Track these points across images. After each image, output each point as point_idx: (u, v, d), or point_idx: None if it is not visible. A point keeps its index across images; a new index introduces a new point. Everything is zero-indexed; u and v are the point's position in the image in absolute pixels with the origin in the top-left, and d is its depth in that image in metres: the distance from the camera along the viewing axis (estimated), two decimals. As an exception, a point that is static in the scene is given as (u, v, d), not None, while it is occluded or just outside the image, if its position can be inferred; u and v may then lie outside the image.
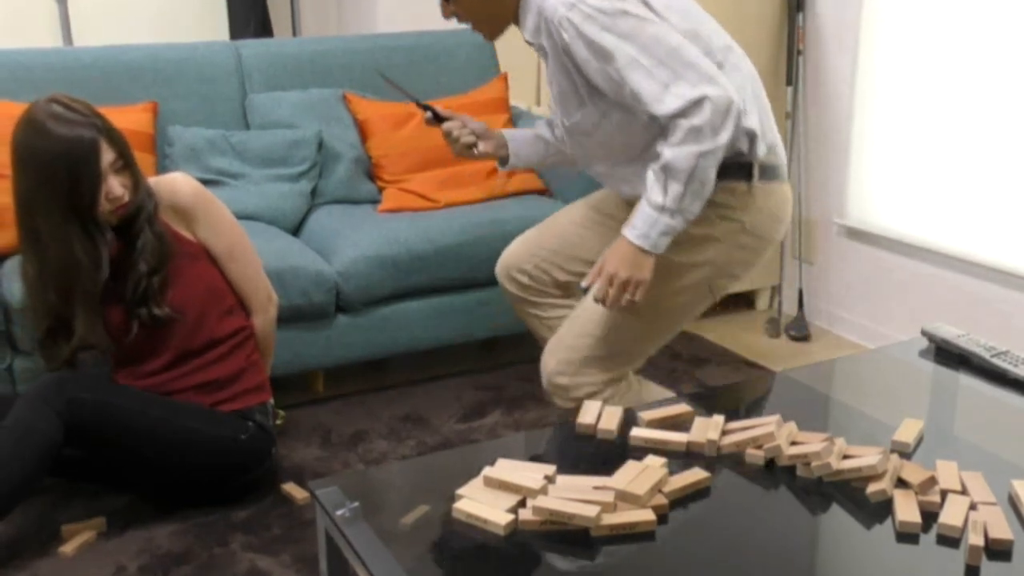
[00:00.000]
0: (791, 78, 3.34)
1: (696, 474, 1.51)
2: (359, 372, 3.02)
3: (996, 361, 1.89)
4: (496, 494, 1.45)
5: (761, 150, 2.00)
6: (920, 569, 1.34)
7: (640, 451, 1.61)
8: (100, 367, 2.22)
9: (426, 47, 3.42)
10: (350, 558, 1.41)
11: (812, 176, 3.42)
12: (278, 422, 2.58)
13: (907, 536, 1.38)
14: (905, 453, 1.60)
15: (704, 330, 3.42)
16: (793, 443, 1.58)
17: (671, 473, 1.51)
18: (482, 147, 2.26)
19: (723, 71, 1.93)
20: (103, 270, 2.08)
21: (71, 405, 2.01)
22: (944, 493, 1.46)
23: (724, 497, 1.49)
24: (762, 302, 3.64)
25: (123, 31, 4.29)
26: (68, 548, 2.08)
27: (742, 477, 1.54)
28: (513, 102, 3.44)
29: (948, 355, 1.99)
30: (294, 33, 4.80)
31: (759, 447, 1.58)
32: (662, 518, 1.42)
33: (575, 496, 1.42)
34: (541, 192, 3.20)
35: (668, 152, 1.87)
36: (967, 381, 1.90)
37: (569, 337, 2.13)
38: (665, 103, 1.85)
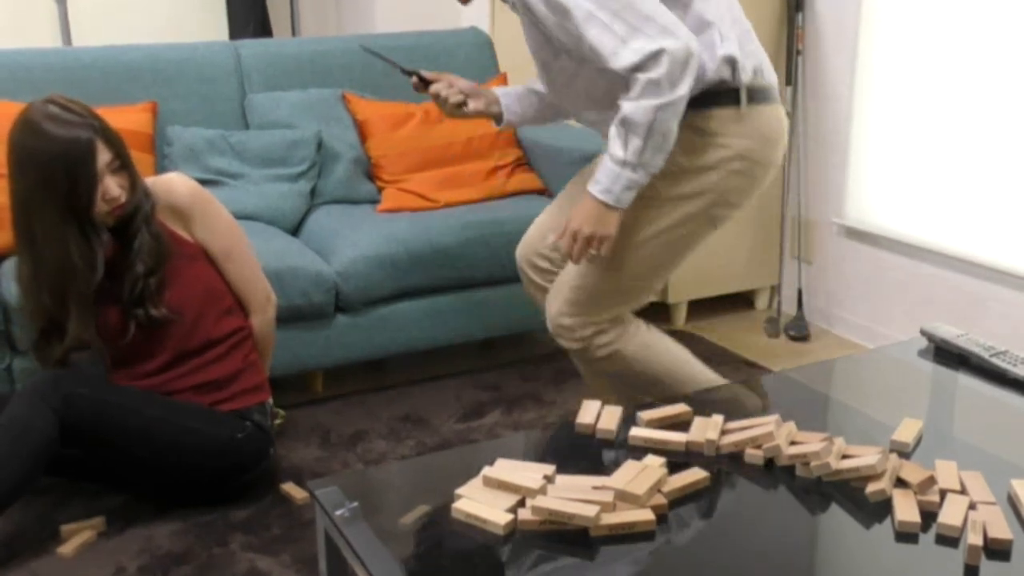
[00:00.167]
0: (790, 78, 3.35)
1: (695, 474, 1.51)
2: (358, 372, 3.02)
3: (995, 361, 1.89)
4: (495, 494, 1.45)
5: (746, 74, 1.99)
6: (919, 569, 1.34)
7: (639, 451, 1.61)
8: (95, 367, 2.22)
9: (426, 47, 3.41)
10: (349, 558, 1.41)
11: (811, 176, 3.42)
12: (278, 421, 2.58)
13: (906, 536, 1.38)
14: (904, 453, 1.60)
15: (703, 330, 3.42)
16: (792, 443, 1.58)
17: (670, 473, 1.51)
18: (472, 105, 2.26)
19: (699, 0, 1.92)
20: (98, 272, 2.08)
21: (67, 402, 2.01)
22: (943, 493, 1.46)
23: (723, 497, 1.49)
24: (761, 302, 3.64)
25: (122, 31, 4.28)
26: (67, 548, 2.08)
27: (741, 477, 1.54)
28: (512, 102, 3.43)
29: (947, 355, 1.99)
30: (293, 33, 4.80)
31: (758, 447, 1.58)
32: (661, 518, 1.42)
33: (574, 496, 1.42)
34: (541, 192, 3.20)
35: (627, 106, 1.88)
36: (966, 381, 1.90)
37: (570, 278, 2.14)
38: (622, 57, 1.86)
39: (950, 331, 2.01)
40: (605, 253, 2.00)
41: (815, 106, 3.37)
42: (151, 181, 2.20)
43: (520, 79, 3.72)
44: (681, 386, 2.23)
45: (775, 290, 3.61)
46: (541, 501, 1.41)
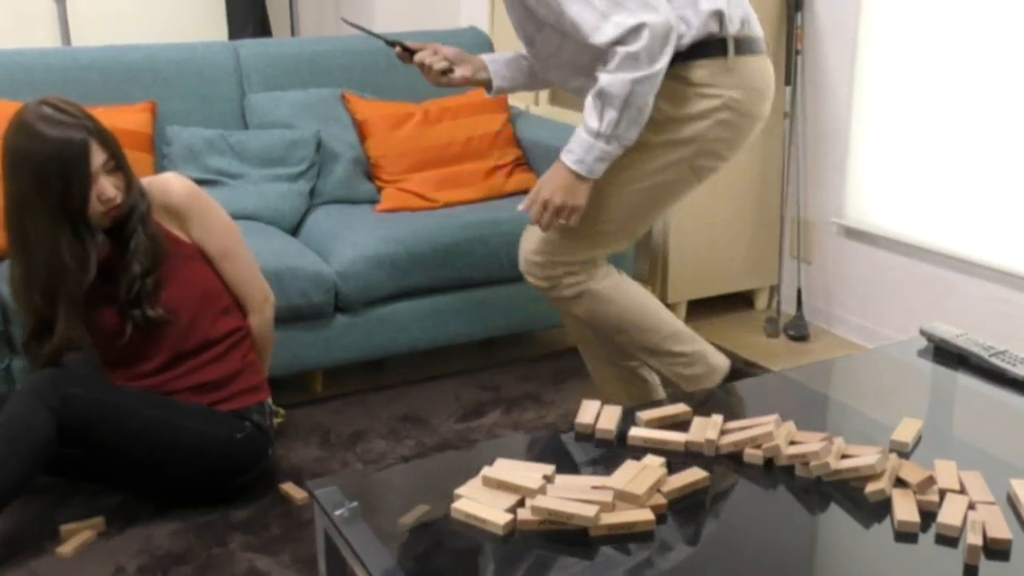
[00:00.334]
0: (789, 78, 3.35)
1: (695, 474, 1.51)
2: (358, 372, 3.02)
3: (995, 360, 1.89)
4: (495, 494, 1.45)
5: (733, 26, 2.01)
6: (919, 568, 1.34)
7: (639, 451, 1.61)
8: (88, 367, 2.22)
9: (425, 47, 3.41)
10: (349, 558, 1.41)
11: (810, 176, 3.42)
12: (278, 420, 2.58)
13: (906, 536, 1.39)
14: (904, 453, 1.60)
15: (703, 330, 3.40)
16: (792, 443, 1.58)
17: (670, 473, 1.51)
18: (459, 72, 2.25)
19: None
20: (89, 273, 2.07)
21: (65, 402, 2.01)
22: (943, 492, 1.46)
23: (723, 497, 1.49)
24: (761, 302, 3.64)
25: (122, 31, 4.28)
26: (67, 548, 2.08)
27: (741, 477, 1.54)
28: (512, 102, 3.44)
29: (947, 354, 1.99)
30: (293, 33, 4.80)
31: (758, 447, 1.58)
32: (661, 518, 1.42)
33: (574, 496, 1.42)
34: (540, 192, 3.19)
35: (604, 78, 1.89)
36: (966, 381, 1.90)
37: None
38: (603, 32, 1.87)
39: (949, 331, 2.01)
40: (574, 224, 2.01)
41: (814, 106, 3.37)
42: (147, 181, 2.19)
43: (519, 79, 3.73)
44: (649, 333, 2.23)
45: (775, 290, 3.61)
46: (540, 501, 1.41)
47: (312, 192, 3.07)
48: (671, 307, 3.43)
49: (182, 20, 4.64)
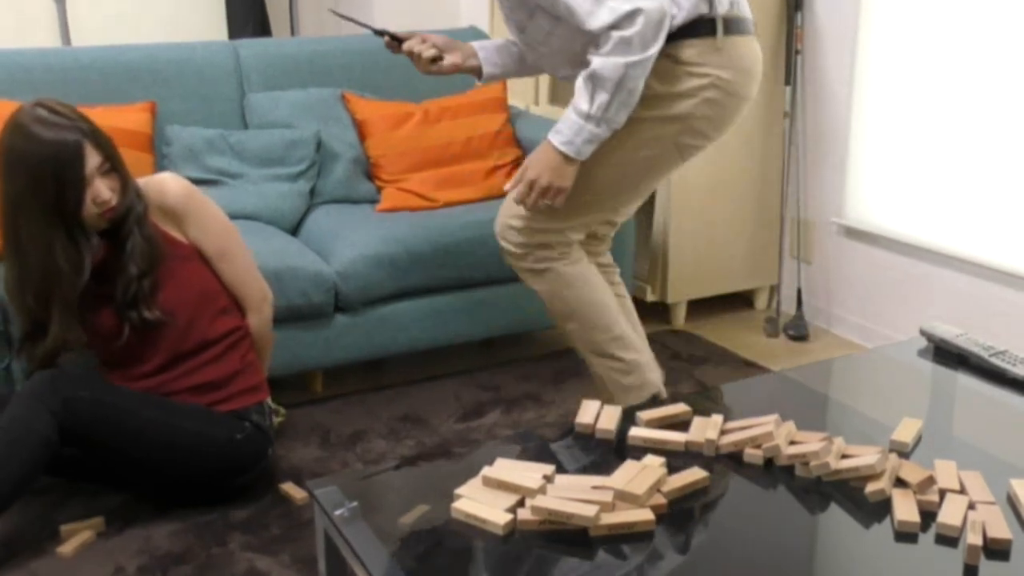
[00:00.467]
0: (789, 78, 3.35)
1: (695, 474, 1.51)
2: (358, 372, 3.02)
3: (995, 360, 1.89)
4: (495, 494, 1.45)
5: (723, 6, 2.03)
6: (919, 568, 1.34)
7: (639, 451, 1.61)
8: (84, 367, 2.22)
9: (425, 47, 3.41)
10: (349, 558, 1.41)
11: (810, 175, 3.42)
12: (279, 419, 2.58)
13: (906, 535, 1.39)
14: (903, 452, 1.60)
15: (702, 330, 3.42)
16: (792, 443, 1.58)
17: (670, 473, 1.51)
18: (448, 60, 2.26)
19: None
20: (83, 276, 2.07)
21: (67, 405, 2.01)
22: (943, 492, 1.46)
23: (723, 497, 1.49)
24: (760, 302, 3.64)
25: (121, 31, 4.29)
26: (67, 548, 2.08)
27: (741, 477, 1.54)
28: (512, 102, 3.44)
29: (946, 354, 1.99)
30: (292, 33, 4.80)
31: (758, 447, 1.58)
32: (661, 518, 1.42)
33: (574, 496, 1.42)
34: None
35: (597, 61, 1.91)
36: (965, 380, 1.90)
37: None
38: (598, 17, 1.89)
39: (949, 331, 2.01)
40: (559, 205, 2.02)
41: (814, 106, 3.37)
42: (143, 182, 2.18)
43: (519, 78, 3.73)
44: (598, 330, 2.27)
45: (774, 290, 3.61)
46: (540, 501, 1.41)
47: (312, 192, 3.07)
48: (671, 307, 3.43)
49: (182, 20, 4.64)
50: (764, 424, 1.60)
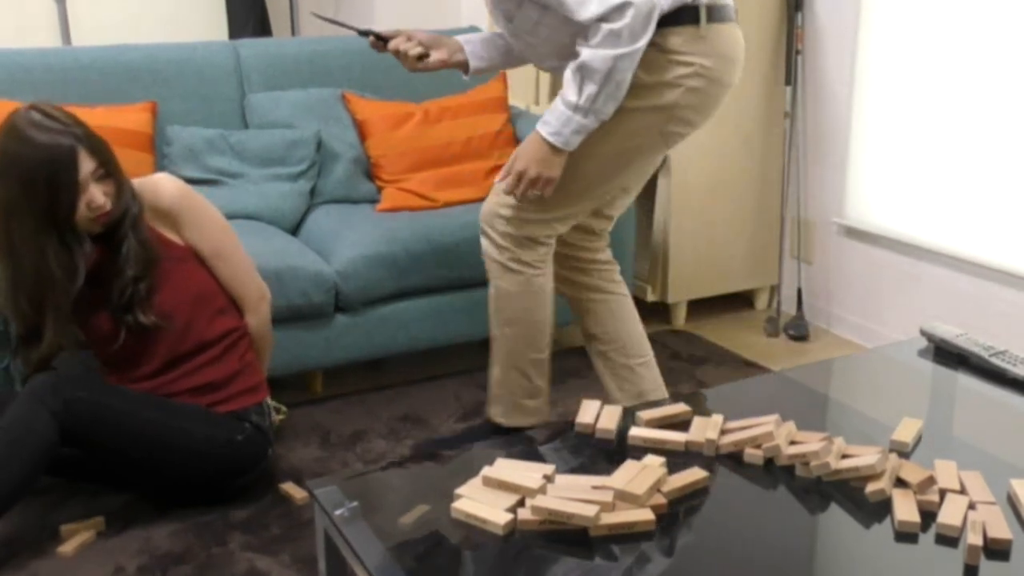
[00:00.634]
0: (790, 78, 3.35)
1: (695, 473, 1.51)
2: (358, 372, 3.02)
3: (995, 360, 1.89)
4: (495, 494, 1.45)
5: None
6: (919, 569, 1.34)
7: (639, 450, 1.61)
8: (84, 368, 2.22)
9: (425, 47, 3.41)
10: (349, 558, 1.41)
11: (810, 175, 3.42)
12: (280, 417, 2.58)
13: (906, 536, 1.38)
14: (904, 453, 1.60)
15: (703, 330, 3.42)
16: (792, 443, 1.58)
17: (670, 473, 1.51)
18: (435, 56, 2.27)
19: None
20: (77, 281, 2.06)
21: (67, 406, 2.00)
22: (943, 492, 1.46)
23: (723, 497, 1.49)
24: (761, 302, 3.64)
25: (122, 31, 4.29)
26: (67, 548, 2.08)
27: (741, 477, 1.54)
28: (512, 102, 3.44)
29: (947, 354, 1.99)
30: (293, 33, 4.80)
31: (758, 447, 1.58)
32: (661, 518, 1.42)
33: (574, 496, 1.42)
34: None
35: (586, 52, 1.92)
36: (966, 381, 1.90)
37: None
38: (588, 8, 1.90)
39: (949, 331, 2.01)
40: (548, 195, 2.03)
41: (814, 106, 3.37)
42: (138, 183, 2.17)
43: (519, 79, 3.73)
44: (529, 348, 2.30)
45: (775, 290, 3.61)
46: (541, 501, 1.41)
47: (312, 192, 3.07)
48: (671, 307, 3.43)
49: (182, 20, 4.64)
50: (764, 424, 1.60)
